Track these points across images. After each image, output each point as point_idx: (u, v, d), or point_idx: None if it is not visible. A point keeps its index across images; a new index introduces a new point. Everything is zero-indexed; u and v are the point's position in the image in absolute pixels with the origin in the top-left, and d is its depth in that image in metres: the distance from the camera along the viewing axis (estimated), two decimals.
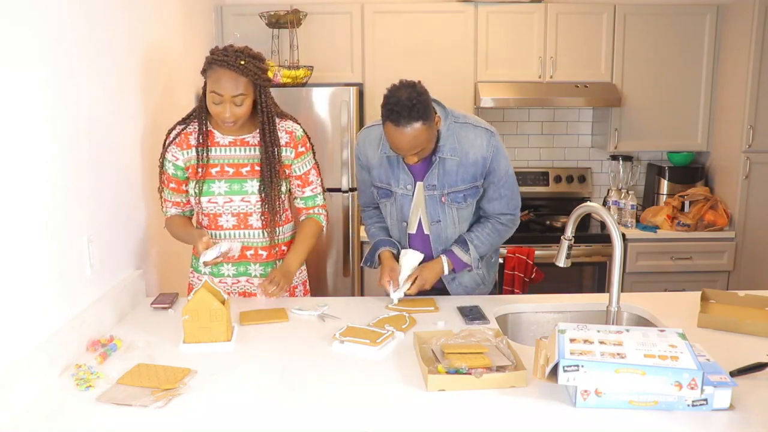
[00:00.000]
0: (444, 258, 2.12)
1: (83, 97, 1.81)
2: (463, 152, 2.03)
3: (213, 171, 2.07)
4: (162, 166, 2.11)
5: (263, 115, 2.03)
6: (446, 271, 2.13)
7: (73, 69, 1.75)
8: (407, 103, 1.83)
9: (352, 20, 3.57)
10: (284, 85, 3.30)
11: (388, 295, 2.09)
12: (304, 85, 3.37)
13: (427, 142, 1.93)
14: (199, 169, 2.06)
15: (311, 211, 2.22)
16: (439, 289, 2.20)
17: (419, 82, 1.92)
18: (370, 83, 3.61)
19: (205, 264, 2.00)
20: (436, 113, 1.98)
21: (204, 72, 1.97)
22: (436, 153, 2.03)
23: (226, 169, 2.07)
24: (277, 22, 3.39)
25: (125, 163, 2.13)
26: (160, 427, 1.36)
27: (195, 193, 2.07)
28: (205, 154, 2.06)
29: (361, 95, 3.60)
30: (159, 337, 1.81)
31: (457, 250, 2.12)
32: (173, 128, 2.11)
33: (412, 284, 2.07)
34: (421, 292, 2.11)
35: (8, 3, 1.44)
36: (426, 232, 2.16)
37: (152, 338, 1.80)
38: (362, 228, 3.53)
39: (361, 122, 3.61)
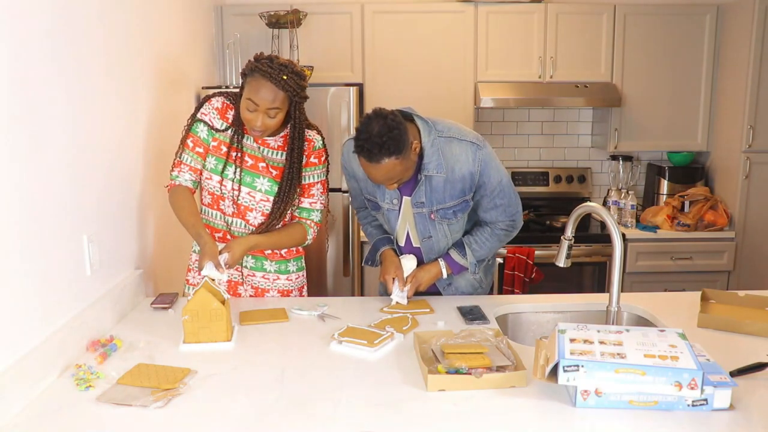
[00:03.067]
0: (441, 262, 2.11)
1: (83, 98, 1.81)
2: (448, 168, 1.97)
3: (233, 155, 2.06)
4: (190, 128, 2.07)
5: (294, 130, 2.04)
6: (444, 275, 2.11)
7: (72, 69, 1.75)
8: (377, 140, 1.78)
9: (352, 20, 3.57)
10: None
11: (387, 294, 2.09)
12: None
13: (402, 173, 1.89)
14: (224, 147, 2.06)
15: (304, 221, 2.17)
16: (435, 293, 2.19)
17: (392, 112, 1.87)
18: (370, 83, 3.61)
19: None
20: (418, 136, 1.92)
21: (244, 76, 1.96)
22: (422, 171, 1.97)
23: (247, 159, 2.07)
24: (277, 22, 3.39)
25: (125, 162, 2.13)
26: (160, 427, 1.36)
27: (214, 169, 2.06)
28: (239, 138, 2.05)
29: (361, 95, 3.60)
30: (159, 337, 1.81)
31: (455, 254, 2.10)
32: (214, 96, 2.09)
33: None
34: (415, 294, 2.11)
35: (14, 1, 1.44)
36: (415, 245, 2.14)
37: (152, 338, 1.80)
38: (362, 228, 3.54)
39: None
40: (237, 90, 2.04)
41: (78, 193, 1.77)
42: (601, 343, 1.46)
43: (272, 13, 3.36)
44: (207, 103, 2.08)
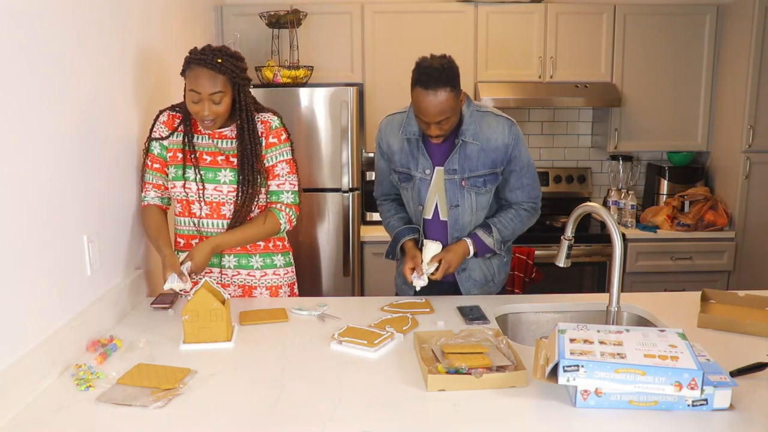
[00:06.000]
0: (468, 240, 2.15)
1: (82, 98, 1.81)
2: (484, 138, 2.07)
3: (191, 157, 2.09)
4: (148, 148, 2.13)
5: (242, 113, 2.04)
6: (471, 253, 2.15)
7: (72, 69, 1.75)
8: (438, 67, 1.91)
9: (352, 20, 3.57)
10: (284, 85, 3.30)
11: (410, 284, 2.09)
12: (304, 85, 3.37)
13: (452, 112, 1.97)
14: (179, 154, 2.09)
15: (273, 206, 2.14)
16: (451, 282, 2.22)
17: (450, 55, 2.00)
18: (370, 83, 3.61)
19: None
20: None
21: (183, 72, 1.99)
22: (459, 136, 2.07)
23: (204, 156, 2.09)
24: (277, 22, 3.39)
25: (125, 163, 2.13)
26: (160, 427, 1.36)
27: (176, 176, 2.08)
28: (189, 140, 2.08)
29: (361, 95, 3.60)
30: (159, 337, 1.81)
31: (481, 233, 2.15)
32: (161, 112, 2.15)
33: (436, 269, 2.08)
34: (423, 291, 2.11)
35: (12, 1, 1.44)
36: (442, 218, 2.18)
37: (152, 338, 1.80)
38: (362, 228, 3.54)
39: (361, 122, 3.61)
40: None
41: (78, 193, 1.77)
42: (601, 343, 1.46)
43: (272, 13, 3.36)
44: (156, 122, 2.14)
